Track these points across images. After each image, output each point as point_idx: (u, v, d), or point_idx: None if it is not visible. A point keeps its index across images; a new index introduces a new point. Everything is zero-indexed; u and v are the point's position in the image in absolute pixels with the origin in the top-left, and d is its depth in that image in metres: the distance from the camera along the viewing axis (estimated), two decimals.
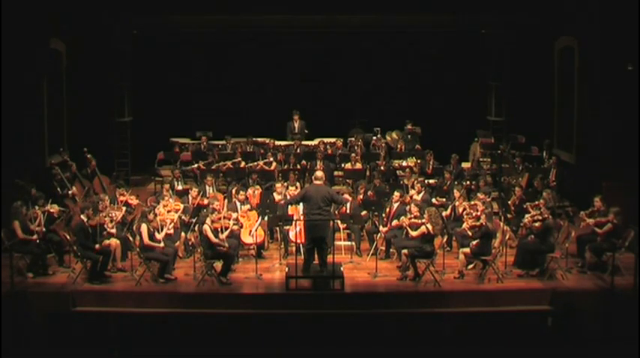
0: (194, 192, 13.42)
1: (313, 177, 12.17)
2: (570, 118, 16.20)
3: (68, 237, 11.93)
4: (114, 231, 12.02)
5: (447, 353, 11.24)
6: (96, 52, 16.95)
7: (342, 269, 11.77)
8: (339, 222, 12.81)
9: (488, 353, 11.21)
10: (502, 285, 11.64)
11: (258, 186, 14.51)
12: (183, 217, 12.77)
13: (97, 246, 11.63)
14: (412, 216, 12.01)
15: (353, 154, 16.20)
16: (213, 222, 11.89)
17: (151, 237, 11.73)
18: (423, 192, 13.60)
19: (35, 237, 11.77)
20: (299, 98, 18.55)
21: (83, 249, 11.61)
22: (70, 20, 15.94)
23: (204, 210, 12.47)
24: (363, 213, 13.30)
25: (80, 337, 11.17)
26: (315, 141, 17.69)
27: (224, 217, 12.06)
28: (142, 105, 18.35)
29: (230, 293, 11.54)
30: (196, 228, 12.33)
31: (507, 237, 12.34)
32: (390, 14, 16.80)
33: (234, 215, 12.30)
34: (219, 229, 11.91)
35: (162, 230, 11.85)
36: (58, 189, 13.79)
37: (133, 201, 13.45)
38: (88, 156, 14.99)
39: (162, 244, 11.76)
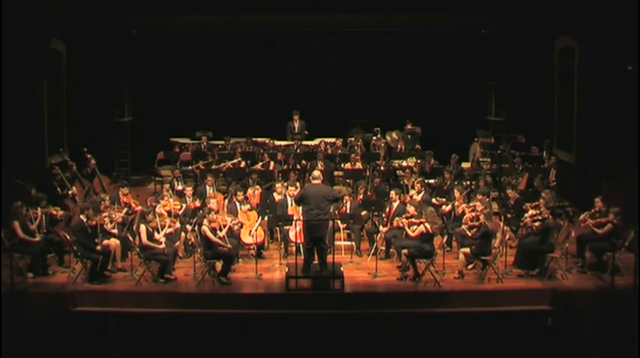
0: (189, 191, 13.40)
1: (311, 177, 12.18)
2: (570, 118, 16.19)
3: (68, 237, 11.93)
4: (115, 231, 12.02)
5: (448, 353, 11.25)
6: (96, 52, 16.94)
7: (342, 269, 11.76)
8: (339, 222, 12.82)
9: (489, 353, 11.22)
10: (502, 285, 11.63)
11: (258, 186, 14.50)
12: (182, 217, 12.77)
13: (98, 248, 11.63)
14: (409, 215, 12.01)
15: (353, 154, 16.19)
16: (210, 221, 11.89)
17: (150, 237, 11.72)
18: (423, 192, 13.61)
19: (37, 238, 11.78)
20: (299, 98, 18.55)
21: (83, 249, 11.61)
22: (70, 20, 15.93)
23: (201, 211, 12.46)
24: (363, 213, 13.30)
25: (80, 337, 11.17)
26: (315, 141, 17.69)
27: (220, 217, 12.05)
28: (142, 105, 18.36)
29: (230, 293, 11.52)
30: (196, 228, 12.33)
31: (507, 237, 12.33)
32: (390, 14, 16.79)
33: (229, 219, 12.22)
34: (218, 228, 11.88)
35: (161, 230, 11.84)
36: (58, 189, 13.80)
37: (137, 205, 13.36)
38: (88, 156, 15.00)
39: (162, 245, 11.74)
